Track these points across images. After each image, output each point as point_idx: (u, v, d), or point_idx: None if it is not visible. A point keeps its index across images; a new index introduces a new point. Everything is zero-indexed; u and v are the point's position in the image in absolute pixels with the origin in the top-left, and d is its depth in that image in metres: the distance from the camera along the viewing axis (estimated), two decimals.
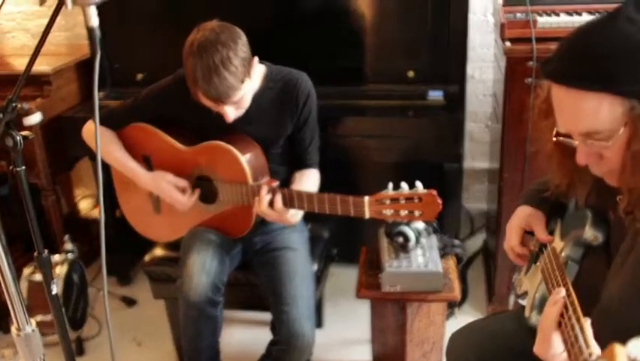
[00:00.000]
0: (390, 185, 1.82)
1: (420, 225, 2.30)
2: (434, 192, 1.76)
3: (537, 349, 1.17)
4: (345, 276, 2.98)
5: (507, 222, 1.71)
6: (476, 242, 3.24)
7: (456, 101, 2.67)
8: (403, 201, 1.77)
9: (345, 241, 2.81)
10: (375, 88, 2.73)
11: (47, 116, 2.74)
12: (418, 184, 1.79)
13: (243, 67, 1.87)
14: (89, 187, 3.42)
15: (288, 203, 1.94)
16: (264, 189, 1.94)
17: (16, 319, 1.10)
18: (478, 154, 3.28)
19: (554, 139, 1.21)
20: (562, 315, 1.13)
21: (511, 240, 1.64)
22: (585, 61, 1.06)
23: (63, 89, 2.91)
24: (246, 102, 1.99)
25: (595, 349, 0.99)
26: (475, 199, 3.34)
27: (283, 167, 2.21)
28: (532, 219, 1.61)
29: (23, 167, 1.30)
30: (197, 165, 2.14)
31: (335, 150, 2.60)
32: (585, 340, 1.01)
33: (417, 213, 1.77)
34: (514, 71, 2.37)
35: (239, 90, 1.89)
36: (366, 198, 1.82)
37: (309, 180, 2.17)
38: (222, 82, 1.83)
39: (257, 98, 2.06)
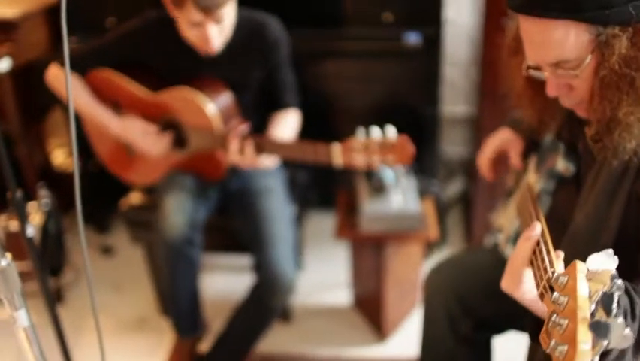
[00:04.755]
0: (362, 130, 1.79)
1: (398, 166, 2.31)
2: (406, 137, 1.74)
3: (505, 284, 1.15)
4: (323, 221, 3.00)
5: None
6: (455, 188, 3.26)
7: (433, 44, 2.65)
8: (374, 148, 1.75)
9: (322, 186, 2.82)
10: (350, 31, 2.69)
11: (16, 63, 2.67)
12: (390, 128, 1.76)
13: None
14: (62, 137, 3.36)
15: (259, 150, 1.92)
16: (233, 138, 1.92)
17: None
18: (456, 99, 3.27)
19: (524, 73, 1.22)
20: (534, 252, 1.13)
21: (484, 153, 1.73)
22: None
23: (32, 34, 2.82)
24: (227, 30, 1.96)
25: (558, 268, 1.01)
26: (454, 145, 3.35)
27: (257, 115, 2.19)
28: (510, 143, 1.66)
29: None
30: (165, 111, 2.11)
31: (309, 94, 2.57)
32: (550, 261, 1.03)
33: (390, 159, 1.75)
34: (491, 12, 2.35)
35: (227, 4, 1.86)
36: (337, 146, 1.80)
37: (285, 124, 2.15)
38: None
39: (227, 41, 2.03)
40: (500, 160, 1.74)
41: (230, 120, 2.08)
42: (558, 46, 1.07)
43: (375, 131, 1.77)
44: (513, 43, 1.34)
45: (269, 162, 2.02)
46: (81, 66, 2.11)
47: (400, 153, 1.74)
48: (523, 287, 1.12)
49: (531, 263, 1.11)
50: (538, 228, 1.13)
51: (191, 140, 2.09)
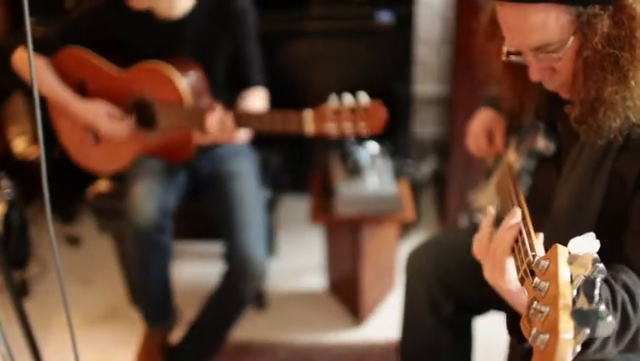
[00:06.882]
0: (334, 96, 1.74)
1: (374, 147, 2.27)
2: (378, 102, 1.69)
3: (489, 275, 1.11)
4: (296, 205, 2.96)
5: (459, 147, 1.71)
6: (427, 168, 3.25)
7: (406, 23, 2.62)
8: (347, 114, 1.70)
9: (295, 169, 2.78)
10: (322, 9, 2.64)
11: None
12: (362, 94, 1.72)
13: None
14: (23, 125, 3.25)
15: (237, 122, 1.87)
16: (212, 113, 1.87)
17: None
18: (428, 79, 3.25)
19: (504, 59, 1.19)
20: (516, 240, 1.08)
21: (479, 142, 1.65)
22: None
23: None
24: None
25: (539, 251, 0.98)
26: (425, 125, 3.33)
27: (226, 90, 2.14)
28: (493, 123, 1.62)
29: None
30: (134, 88, 2.04)
31: (279, 75, 2.52)
32: (531, 244, 1.00)
33: (362, 126, 1.70)
34: None
35: None
36: (308, 113, 1.75)
37: (255, 100, 2.12)
38: None
39: (192, 15, 2.00)
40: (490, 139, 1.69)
41: (201, 97, 2.02)
42: (539, 30, 1.05)
43: (348, 97, 1.72)
44: (489, 27, 1.32)
45: (243, 135, 1.99)
46: (48, 48, 2.05)
47: (372, 118, 1.69)
48: (507, 277, 1.07)
49: (514, 254, 1.05)
50: (518, 214, 1.08)
51: (161, 118, 2.02)
